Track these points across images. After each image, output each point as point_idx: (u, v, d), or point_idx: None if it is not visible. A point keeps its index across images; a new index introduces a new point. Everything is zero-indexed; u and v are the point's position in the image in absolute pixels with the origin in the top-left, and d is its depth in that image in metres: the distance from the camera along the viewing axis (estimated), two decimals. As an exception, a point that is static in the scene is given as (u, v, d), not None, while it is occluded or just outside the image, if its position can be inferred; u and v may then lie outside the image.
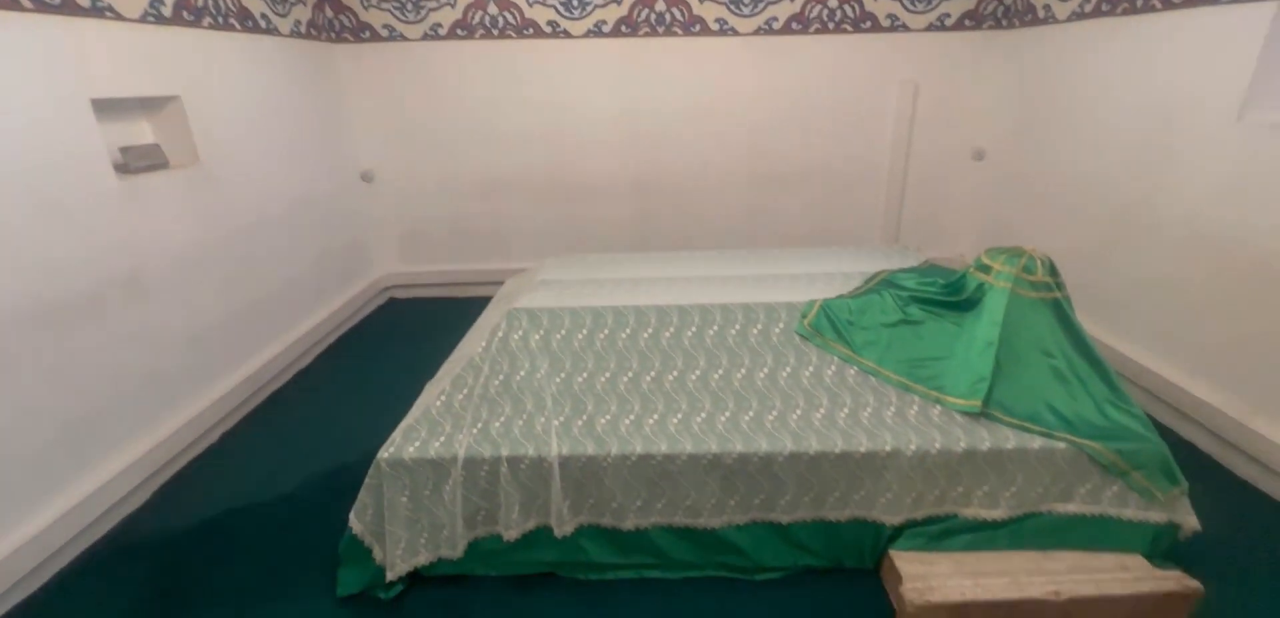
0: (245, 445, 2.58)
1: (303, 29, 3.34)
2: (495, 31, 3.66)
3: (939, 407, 1.80)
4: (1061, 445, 1.70)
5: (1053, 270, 1.91)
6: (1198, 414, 2.39)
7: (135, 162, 2.29)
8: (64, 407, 1.95)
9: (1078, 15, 3.03)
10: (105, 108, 2.16)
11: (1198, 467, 2.27)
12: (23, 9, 1.87)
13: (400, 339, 3.59)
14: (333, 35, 3.64)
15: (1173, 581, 1.57)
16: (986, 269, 1.96)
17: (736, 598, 1.78)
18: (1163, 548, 1.74)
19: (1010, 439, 1.71)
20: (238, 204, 2.78)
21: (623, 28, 3.64)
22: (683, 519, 1.79)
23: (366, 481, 1.74)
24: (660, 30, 3.64)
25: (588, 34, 3.66)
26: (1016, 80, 3.55)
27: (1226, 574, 1.75)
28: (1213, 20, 2.33)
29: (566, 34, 3.67)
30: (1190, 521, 1.73)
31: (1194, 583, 1.56)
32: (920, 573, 1.64)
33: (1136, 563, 1.66)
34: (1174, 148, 2.51)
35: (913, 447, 1.70)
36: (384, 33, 3.66)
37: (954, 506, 1.76)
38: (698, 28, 3.63)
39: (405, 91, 3.79)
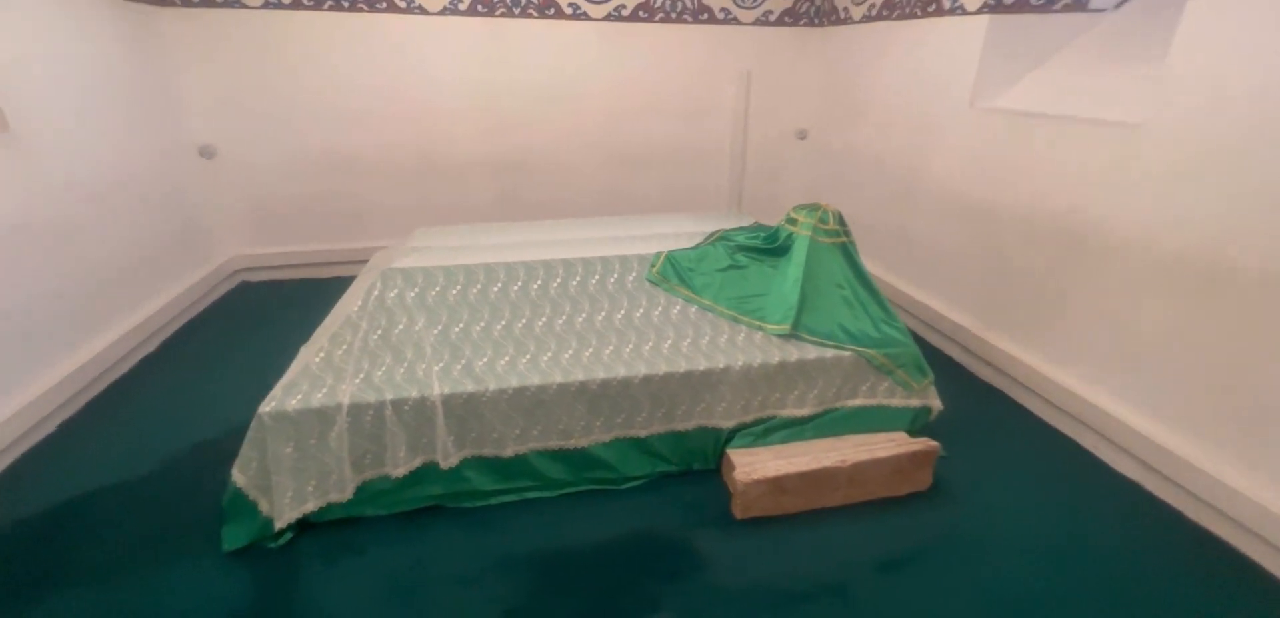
0: (90, 432, 2.42)
1: (121, -11, 3.07)
2: (345, 4, 3.60)
3: (760, 333, 2.24)
4: (848, 355, 2.20)
5: (841, 221, 2.43)
6: (954, 334, 3.11)
7: (-70, 127, 2.06)
8: None
9: (867, 18, 3.70)
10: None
11: (951, 372, 2.97)
12: None
13: (256, 321, 3.45)
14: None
15: (921, 444, 2.14)
16: (794, 222, 2.44)
17: (607, 506, 2.09)
18: (919, 426, 2.33)
19: (811, 353, 2.19)
20: (57, 177, 2.55)
21: (479, 7, 3.75)
22: (556, 442, 2.07)
23: (249, 435, 1.80)
24: (516, 11, 3.81)
25: (444, 11, 3.73)
26: (825, 71, 4.21)
27: (960, 439, 2.38)
28: (950, 27, 3.02)
29: (422, 9, 3.71)
30: (936, 403, 2.33)
31: (934, 444, 2.14)
32: (748, 462, 2.06)
33: (899, 437, 2.21)
34: (931, 130, 3.21)
35: (740, 363, 2.12)
36: (219, -2, 3.46)
37: (773, 409, 2.21)
38: (552, 10, 3.85)
39: (247, 62, 3.60)
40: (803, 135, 4.55)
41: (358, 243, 4.08)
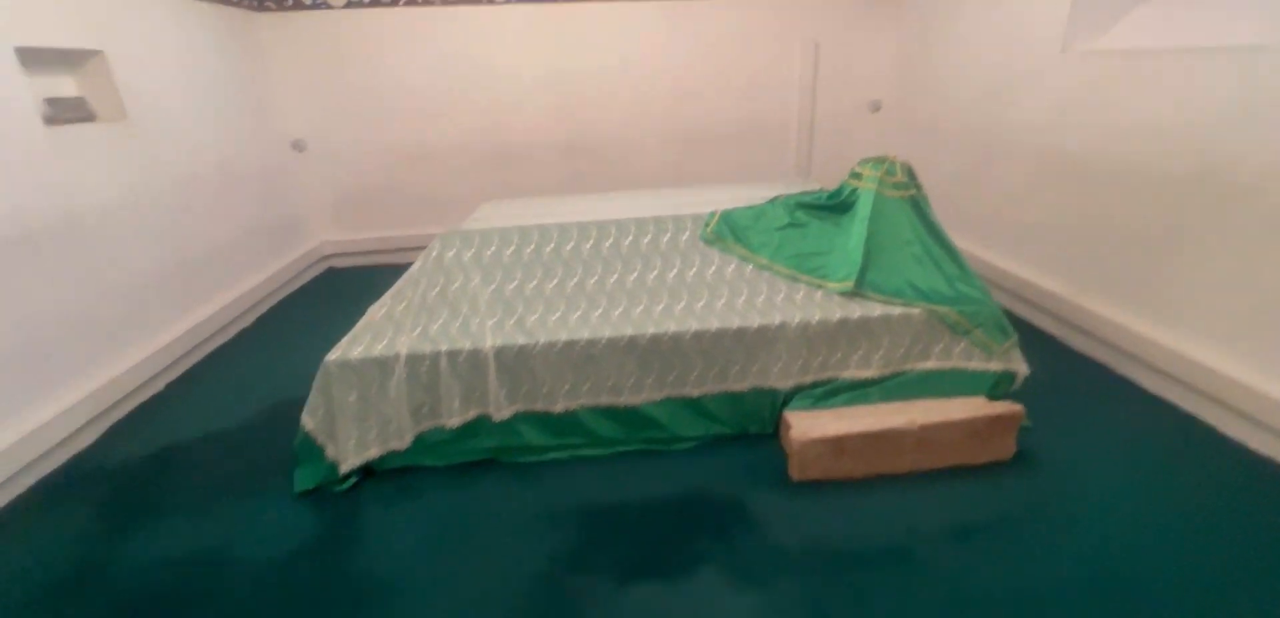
0: (191, 392, 2.66)
1: (224, -5, 3.38)
2: (420, -1, 3.79)
3: (821, 291, 2.12)
4: (918, 312, 2.04)
5: (910, 173, 2.26)
6: (1045, 303, 2.83)
7: (62, 113, 2.34)
8: (6, 338, 2.01)
9: (946, -27, 3.46)
10: (29, 58, 2.21)
11: (1042, 344, 2.70)
12: (-59, -44, 1.92)
13: (340, 301, 3.67)
14: (254, 4, 3.67)
15: (1002, 407, 1.94)
16: (858, 176, 2.30)
17: (658, 466, 2.04)
18: (1001, 394, 2.12)
19: (877, 310, 2.05)
20: (168, 163, 2.83)
21: (545, -7, 3.84)
22: (607, 399, 2.05)
23: (316, 382, 1.90)
24: (580, -5, 3.86)
25: (512, 0, 3.84)
26: (899, 37, 3.97)
27: (1050, 410, 2.15)
28: (1040, -33, 2.76)
29: (492, 0, 3.83)
30: (1021, 367, 2.11)
31: (1017, 406, 1.94)
32: (807, 422, 1.95)
33: (977, 401, 2.02)
34: (1016, 86, 2.94)
35: (797, 320, 2.01)
36: (307, 0, 3.73)
37: (835, 370, 2.09)
38: (616, -8, 3.87)
39: (332, 60, 3.86)
40: (876, 107, 4.32)
41: (434, 228, 4.26)
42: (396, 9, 3.79)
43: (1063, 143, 2.70)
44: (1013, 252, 3.10)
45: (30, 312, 2.09)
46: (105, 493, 2.03)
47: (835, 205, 2.32)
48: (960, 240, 3.35)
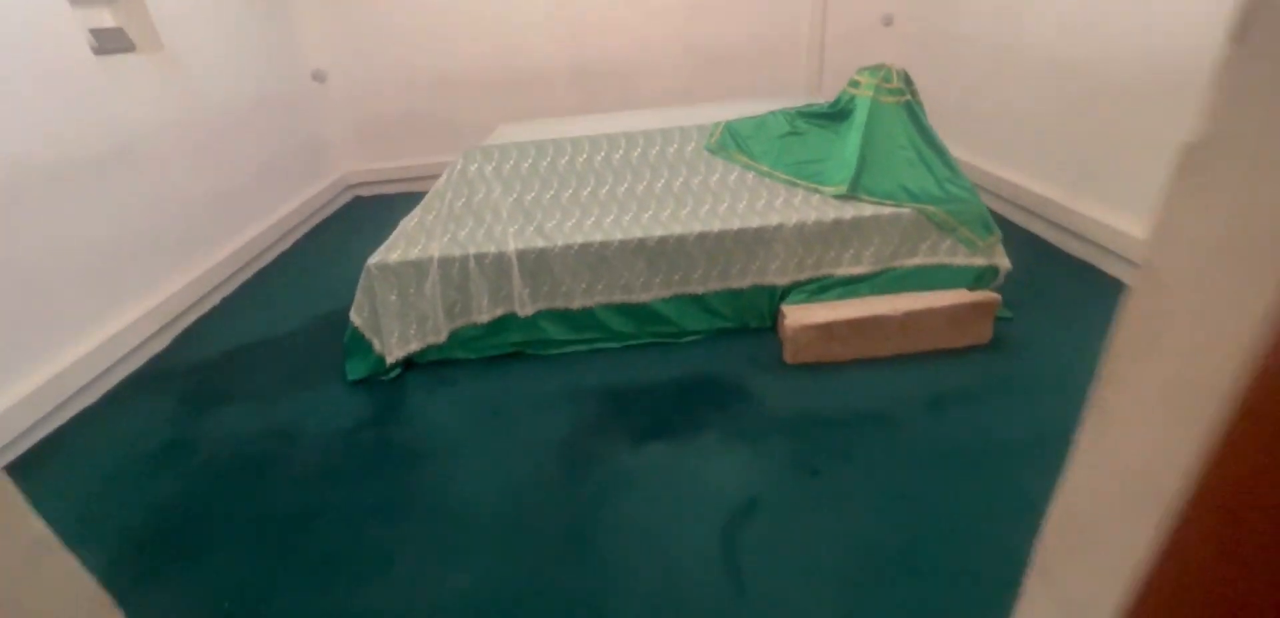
0: (243, 306, 2.93)
1: (243, -74, 3.47)
2: (431, -78, 3.83)
3: (818, 195, 2.28)
4: (907, 212, 2.20)
5: (907, 79, 2.37)
6: (1041, 209, 2.95)
7: (108, 43, 2.52)
8: (85, 253, 2.26)
9: (956, -124, 3.41)
10: (76, -9, 2.38)
11: (1035, 247, 2.85)
12: (-6, -104, 2.07)
13: (367, 226, 3.89)
14: (271, -67, 3.75)
15: (979, 295, 2.12)
16: (857, 84, 2.42)
17: (667, 355, 2.27)
18: (985, 287, 2.29)
19: (868, 211, 2.21)
20: (204, 91, 3.02)
21: (553, -88, 3.85)
22: (620, 297, 2.26)
23: (360, 284, 2.14)
24: (588, -87, 3.87)
25: (520, -79, 3.87)
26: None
27: (1033, 304, 2.32)
28: None
29: (500, -78, 3.86)
30: (1003, 262, 2.28)
31: (994, 295, 2.12)
32: (800, 312, 2.15)
33: (959, 291, 2.20)
34: (1024, -13, 2.98)
35: (794, 221, 2.19)
36: (322, -71, 3.80)
37: (829, 267, 2.27)
38: (623, -91, 3.87)
39: (349, -11, 3.96)
40: (888, 21, 4.32)
41: (453, 155, 4.42)
42: (408, -66, 3.84)
43: (1067, 55, 2.76)
44: (1017, 162, 3.19)
45: (100, 232, 2.33)
46: (185, 387, 2.32)
47: (834, 113, 2.44)
48: (968, 152, 3.46)
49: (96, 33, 2.51)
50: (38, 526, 0.58)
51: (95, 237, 2.30)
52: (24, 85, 2.07)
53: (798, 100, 2.96)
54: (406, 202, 4.28)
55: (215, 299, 2.93)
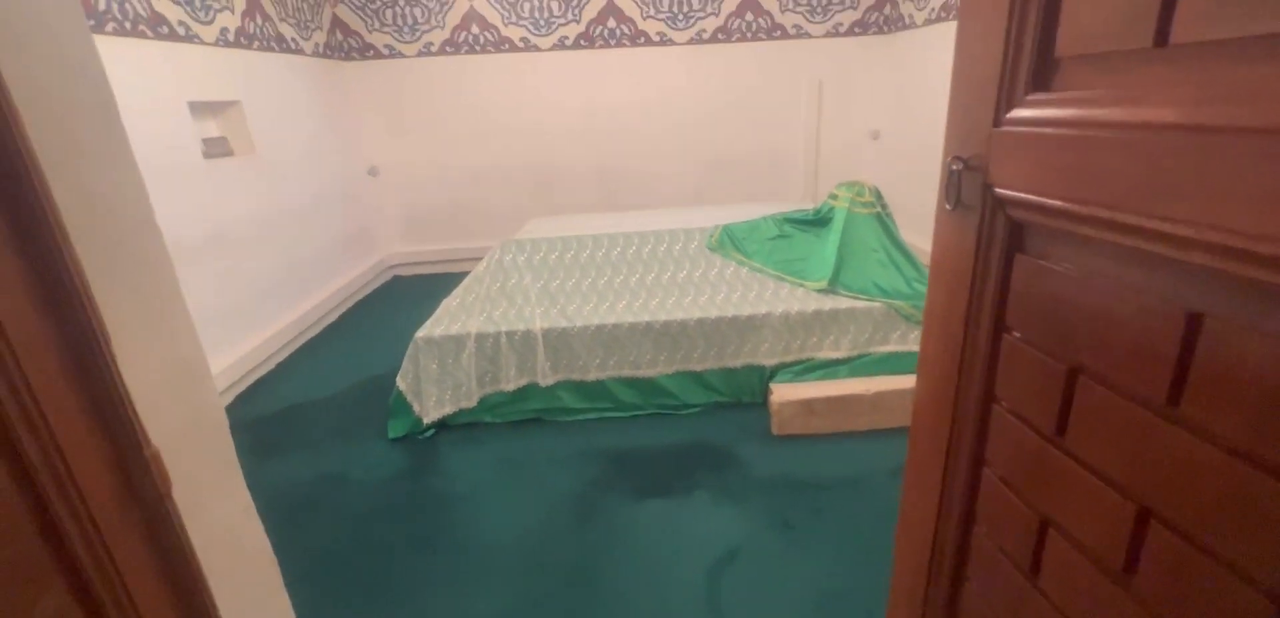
0: (296, 371, 3.31)
1: (321, 49, 4.11)
2: (477, 48, 4.47)
3: (802, 289, 2.64)
4: (878, 305, 2.54)
5: (877, 194, 2.77)
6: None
7: (213, 149, 3.04)
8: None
9: (929, 21, 3.96)
10: (195, 108, 2.91)
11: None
12: (144, 36, 2.63)
13: (407, 302, 4.34)
14: (344, 55, 4.41)
15: (944, 381, 2.42)
16: (835, 196, 2.83)
17: (669, 424, 2.57)
18: (952, 373, 2.59)
19: (845, 303, 2.55)
20: (282, 187, 3.54)
21: (582, 42, 4.48)
22: (629, 371, 2.59)
23: (408, 353, 2.51)
24: (612, 43, 4.49)
25: (553, 47, 4.49)
26: (894, 73, 4.48)
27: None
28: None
29: (536, 48, 4.49)
30: (967, 353, 2.59)
31: (956, 381, 2.41)
32: (786, 390, 2.46)
33: (928, 378, 2.50)
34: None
35: (780, 310, 2.54)
36: (385, 51, 4.45)
37: (811, 351, 2.60)
38: (642, 40, 4.49)
39: (404, 100, 4.57)
40: (876, 135, 4.81)
41: (485, 242, 4.91)
42: (457, 57, 4.48)
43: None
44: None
45: (195, 302, 2.75)
46: (246, 438, 2.66)
47: (816, 220, 2.84)
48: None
49: (207, 141, 3.03)
50: (247, 496, 0.92)
51: (192, 310, 2.72)
52: (154, 180, 2.54)
53: (791, 206, 3.39)
54: (441, 281, 4.77)
55: (272, 364, 3.32)
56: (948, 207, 0.75)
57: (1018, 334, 0.69)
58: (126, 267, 0.68)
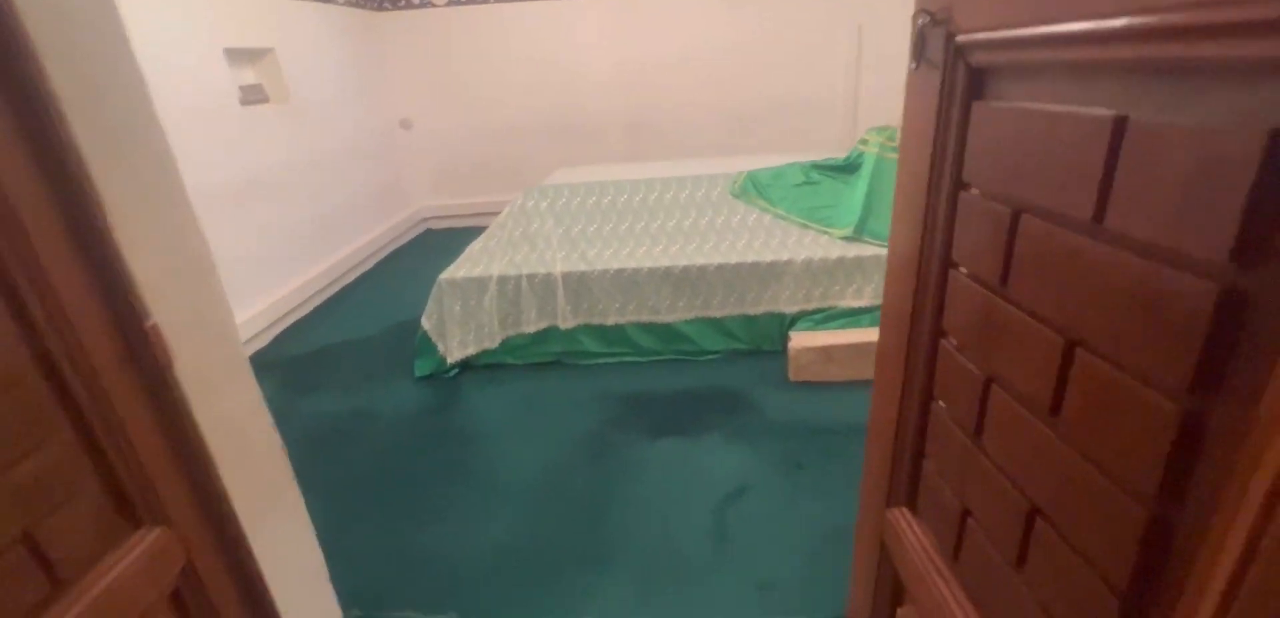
0: (330, 315, 3.45)
1: None
2: (507, -3, 4.44)
3: (826, 236, 2.58)
4: (906, 253, 2.47)
5: (909, 138, 2.67)
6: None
7: (250, 96, 3.13)
8: (219, 265, 2.80)
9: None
10: (232, 55, 3.00)
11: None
12: (181, -16, 2.70)
13: (437, 252, 4.40)
14: (376, 5, 4.45)
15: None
16: (866, 142, 2.74)
17: (687, 370, 2.58)
18: (981, 325, 2.52)
19: (870, 250, 2.49)
20: (316, 136, 3.63)
21: (612, -12, 4.40)
22: (648, 317, 2.60)
23: (432, 295, 2.57)
24: (643, -12, 4.39)
25: (583, -5, 4.43)
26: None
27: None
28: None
29: (566, -4, 4.44)
30: (998, 304, 2.50)
31: (984, 331, 2.34)
32: (805, 336, 2.43)
33: (954, 328, 2.43)
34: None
35: (803, 256, 2.49)
36: (417, 1, 4.46)
37: (834, 299, 2.55)
38: (674, -15, 4.38)
39: (436, 51, 4.60)
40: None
41: (515, 194, 4.94)
42: (488, 5, 4.46)
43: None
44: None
45: (233, 248, 2.88)
46: (282, 375, 2.80)
47: (844, 166, 2.76)
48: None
49: (244, 88, 3.12)
50: (257, 394, 0.97)
51: (229, 251, 2.85)
52: (195, 125, 2.65)
53: (826, 155, 3.30)
54: (473, 235, 4.82)
55: (307, 309, 3.46)
56: (912, 66, 0.75)
57: (975, 191, 0.69)
58: (125, 148, 0.71)
